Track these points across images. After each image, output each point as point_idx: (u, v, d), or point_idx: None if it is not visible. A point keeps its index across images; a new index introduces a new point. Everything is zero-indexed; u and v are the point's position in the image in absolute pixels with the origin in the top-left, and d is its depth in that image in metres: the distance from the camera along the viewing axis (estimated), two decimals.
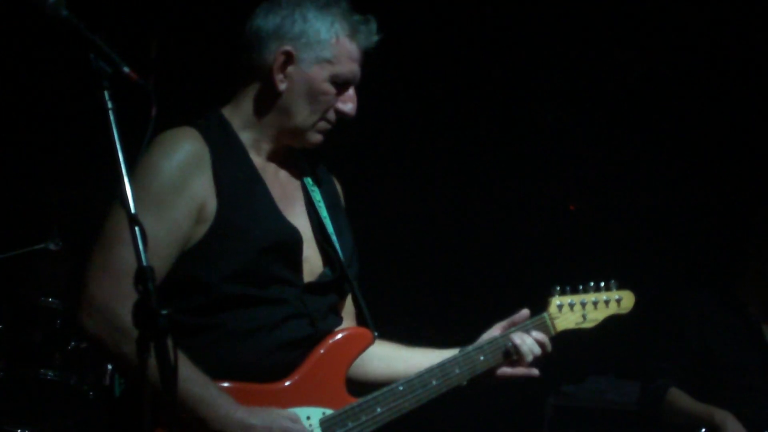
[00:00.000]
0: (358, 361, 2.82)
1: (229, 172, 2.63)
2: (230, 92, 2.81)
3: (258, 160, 2.75)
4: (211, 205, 2.57)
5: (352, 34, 2.72)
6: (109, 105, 2.00)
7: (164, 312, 1.89)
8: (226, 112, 2.77)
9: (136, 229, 1.95)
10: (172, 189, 2.53)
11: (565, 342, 3.15)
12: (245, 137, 2.75)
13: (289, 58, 2.69)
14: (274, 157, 2.80)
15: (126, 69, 2.02)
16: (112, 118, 1.99)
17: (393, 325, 3.02)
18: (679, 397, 4.54)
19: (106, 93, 2.00)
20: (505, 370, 2.95)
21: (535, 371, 2.96)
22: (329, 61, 2.70)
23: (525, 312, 2.99)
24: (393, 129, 6.52)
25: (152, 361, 1.90)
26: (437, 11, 6.24)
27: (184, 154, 2.57)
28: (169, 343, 1.90)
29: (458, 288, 6.62)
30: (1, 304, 5.22)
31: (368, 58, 2.83)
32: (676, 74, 6.31)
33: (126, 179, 1.97)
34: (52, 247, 5.09)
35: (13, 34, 5.41)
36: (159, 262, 2.45)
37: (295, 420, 2.59)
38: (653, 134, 6.52)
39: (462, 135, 6.74)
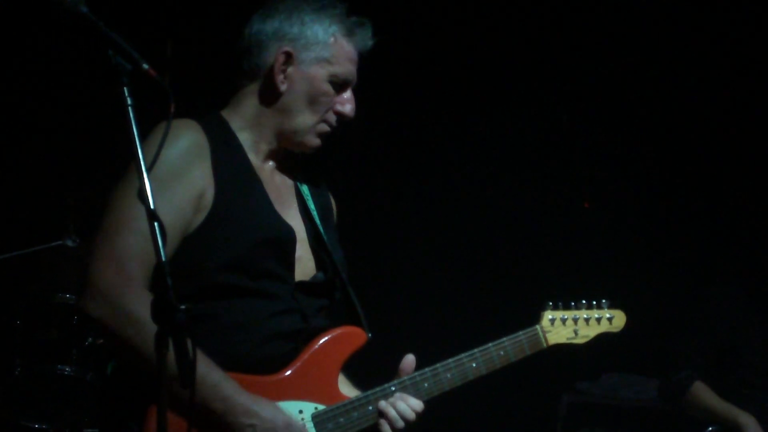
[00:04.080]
0: None
1: (227, 166, 2.67)
2: (229, 96, 2.85)
3: (255, 160, 2.79)
4: (210, 193, 2.61)
5: (349, 35, 2.79)
6: (129, 101, 2.01)
7: (183, 307, 1.90)
8: (225, 113, 2.82)
9: (156, 224, 1.95)
10: (175, 176, 2.56)
11: (555, 348, 3.16)
12: (243, 138, 2.78)
13: (289, 58, 2.75)
14: (271, 160, 2.84)
15: (145, 65, 2.04)
16: (131, 114, 2.01)
17: (387, 328, 3.04)
18: (704, 392, 4.52)
19: (125, 89, 2.01)
20: None
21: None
22: (328, 61, 2.76)
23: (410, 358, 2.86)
24: (399, 128, 6.52)
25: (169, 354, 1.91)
26: (451, 7, 6.25)
27: (185, 142, 2.61)
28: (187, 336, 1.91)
29: (454, 294, 6.59)
30: (18, 300, 5.24)
31: (383, 56, 2.85)
32: (695, 71, 6.29)
33: (145, 175, 1.98)
34: (69, 243, 5.12)
35: (32, 32, 5.44)
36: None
37: (299, 423, 2.61)
38: (679, 131, 6.50)
39: (463, 138, 6.73)
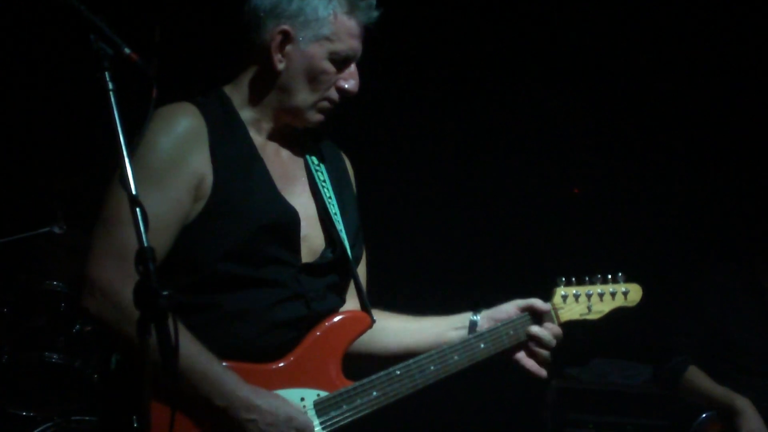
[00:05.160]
0: (372, 336, 2.83)
1: (226, 149, 2.61)
2: (232, 71, 2.79)
3: (258, 138, 2.73)
4: (208, 181, 2.56)
5: (351, 10, 2.68)
6: (110, 86, 2.00)
7: (165, 293, 1.89)
8: (228, 90, 2.76)
9: (137, 210, 1.94)
10: (171, 165, 2.52)
11: (569, 325, 3.14)
12: (246, 115, 2.73)
13: (286, 37, 2.66)
14: (275, 136, 2.77)
15: (127, 50, 2.02)
16: (113, 99, 1.99)
17: (398, 308, 3.02)
18: (699, 377, 4.52)
19: (107, 74, 2.00)
20: (520, 359, 2.96)
21: (543, 372, 2.96)
22: (328, 39, 2.66)
23: (546, 306, 2.98)
24: (397, 113, 6.50)
25: (153, 341, 1.90)
26: None
27: (181, 130, 2.56)
28: (171, 323, 1.90)
29: (464, 274, 6.59)
30: (5, 287, 5.22)
31: (374, 42, 2.81)
32: (689, 53, 6.28)
33: (127, 160, 1.97)
34: (56, 230, 5.09)
35: (13, 17, 5.40)
36: (161, 239, 2.46)
37: (302, 412, 2.59)
38: (673, 113, 6.50)
39: (467, 120, 6.72)
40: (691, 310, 4.64)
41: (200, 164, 2.56)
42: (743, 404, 4.39)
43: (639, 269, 3.31)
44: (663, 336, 4.69)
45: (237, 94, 2.74)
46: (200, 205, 2.56)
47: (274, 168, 2.72)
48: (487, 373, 2.97)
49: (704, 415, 4.51)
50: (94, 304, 2.45)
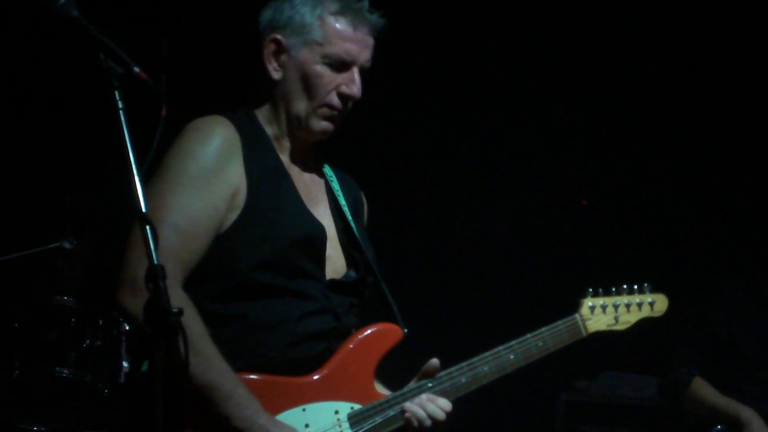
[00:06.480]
0: None
1: (258, 162, 2.67)
2: (256, 89, 2.84)
3: (283, 156, 2.79)
4: (243, 192, 2.62)
5: (341, 14, 2.73)
6: (120, 105, 2.02)
7: (175, 310, 1.90)
8: (253, 107, 2.82)
9: (147, 228, 1.96)
10: (211, 174, 2.57)
11: (596, 336, 3.15)
12: (270, 132, 2.79)
13: (278, 46, 2.74)
14: (297, 156, 2.82)
15: (136, 69, 2.05)
16: (122, 117, 2.02)
17: (422, 323, 3.04)
18: (704, 388, 4.50)
19: (116, 93, 2.02)
20: None
21: None
22: (318, 43, 2.72)
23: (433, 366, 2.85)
24: (403, 127, 6.50)
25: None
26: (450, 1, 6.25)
27: (219, 140, 2.62)
28: (181, 341, 1.91)
29: (492, 285, 6.56)
30: (15, 302, 5.24)
31: (375, 50, 2.82)
32: (697, 59, 6.28)
33: (137, 178, 1.98)
34: (66, 245, 5.11)
35: (24, 35, 5.44)
36: (197, 244, 2.53)
37: None
38: (680, 126, 6.49)
39: (478, 133, 6.71)
40: (698, 321, 4.63)
41: (236, 175, 2.62)
42: (749, 415, 4.38)
43: (647, 281, 3.32)
44: (669, 348, 4.69)
45: (259, 111, 2.81)
46: (234, 215, 2.61)
47: (300, 186, 2.78)
48: (497, 384, 2.98)
49: (715, 429, 4.50)
50: (132, 303, 2.45)
